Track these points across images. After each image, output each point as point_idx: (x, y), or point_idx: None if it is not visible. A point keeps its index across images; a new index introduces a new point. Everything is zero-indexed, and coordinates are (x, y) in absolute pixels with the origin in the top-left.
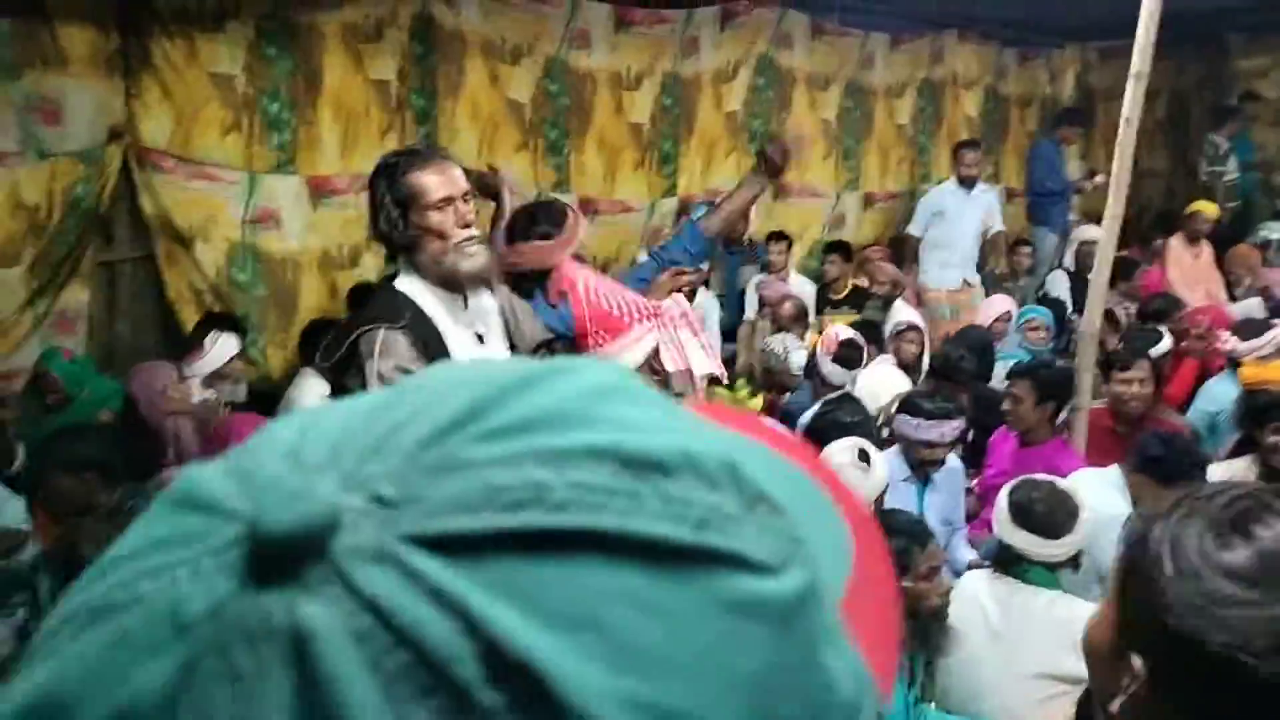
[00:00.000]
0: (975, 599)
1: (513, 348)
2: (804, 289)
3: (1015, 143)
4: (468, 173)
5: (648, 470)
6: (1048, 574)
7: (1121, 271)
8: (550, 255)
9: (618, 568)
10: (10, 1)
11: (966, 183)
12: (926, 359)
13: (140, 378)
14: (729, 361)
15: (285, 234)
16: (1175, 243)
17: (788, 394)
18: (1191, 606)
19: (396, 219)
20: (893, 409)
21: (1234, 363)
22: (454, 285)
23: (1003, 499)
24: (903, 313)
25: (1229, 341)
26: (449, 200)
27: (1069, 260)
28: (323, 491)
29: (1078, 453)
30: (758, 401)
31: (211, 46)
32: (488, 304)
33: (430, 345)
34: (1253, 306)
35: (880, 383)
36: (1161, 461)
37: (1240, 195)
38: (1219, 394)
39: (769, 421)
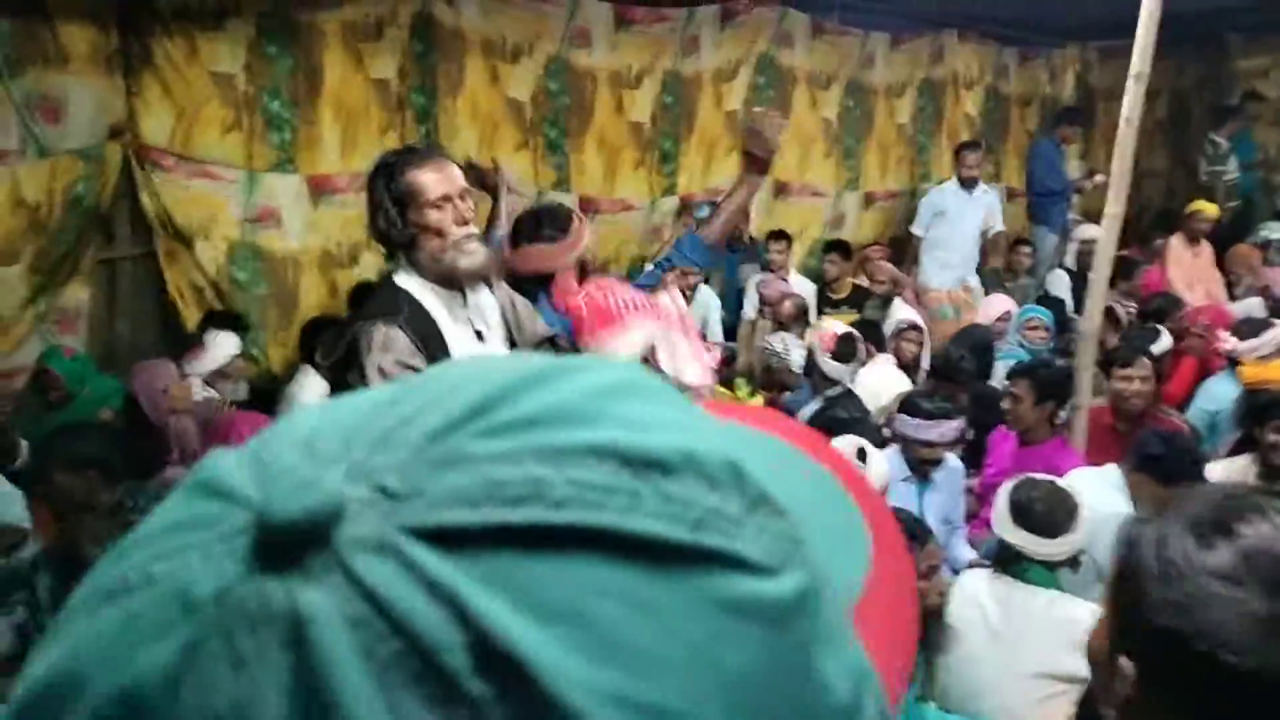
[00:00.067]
0: (975, 598)
1: (513, 345)
2: (804, 288)
3: (1015, 142)
4: (469, 168)
5: (648, 469)
6: (1047, 573)
7: (1122, 271)
8: (554, 259)
9: (612, 565)
10: (11, 0)
11: (968, 184)
12: (927, 358)
13: (142, 376)
14: (729, 360)
15: (285, 232)
16: (1175, 242)
17: (787, 393)
18: (1174, 606)
19: (395, 217)
20: (893, 408)
21: (1233, 362)
22: (453, 282)
23: (1002, 498)
24: (903, 312)
25: (1228, 341)
26: (447, 198)
27: (1070, 260)
28: (329, 482)
29: (1077, 452)
30: (758, 400)
31: (212, 45)
32: (487, 301)
33: (429, 342)
34: (1253, 306)
35: (880, 382)
36: (1161, 460)
37: (1240, 195)
38: (1218, 393)
39: (794, 421)
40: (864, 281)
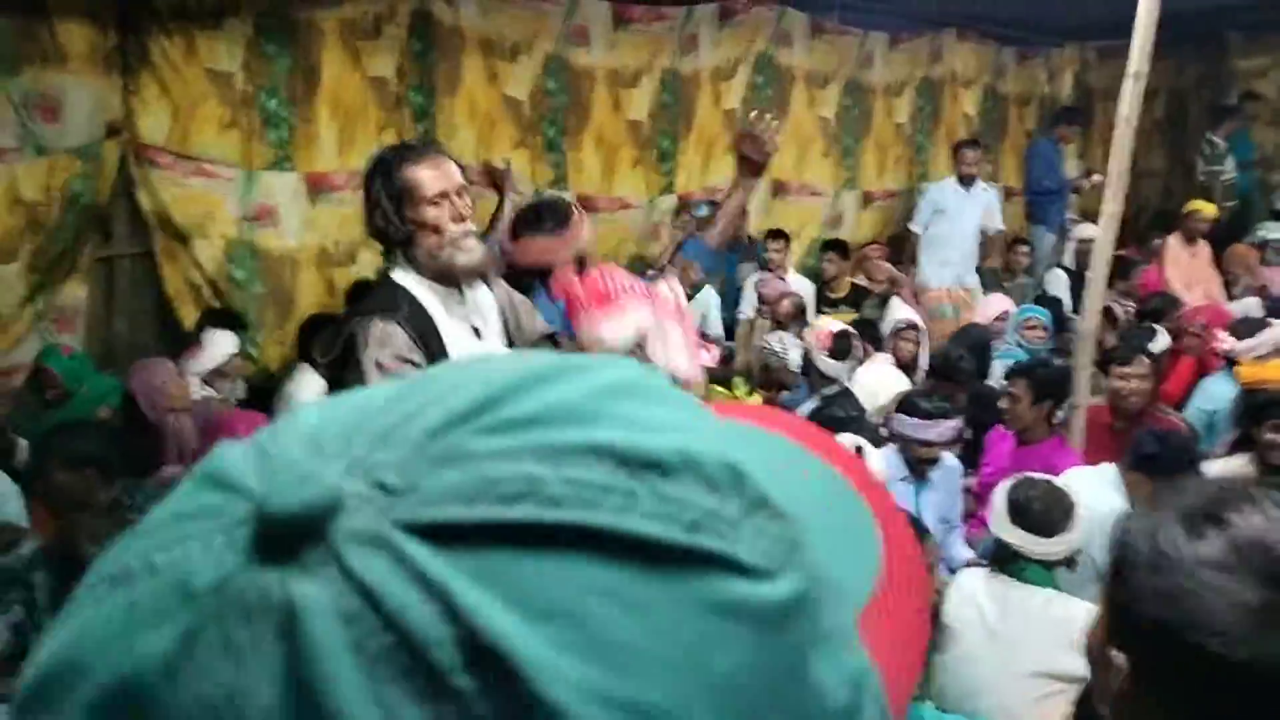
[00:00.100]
0: (972, 597)
1: (511, 343)
2: (802, 287)
3: (1013, 142)
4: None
5: (646, 470)
6: (1044, 572)
7: (1119, 271)
8: (553, 252)
9: (604, 564)
10: None
11: (966, 181)
12: (925, 358)
13: (141, 375)
14: (727, 359)
15: (283, 231)
16: (1173, 242)
17: (785, 392)
18: (1165, 597)
19: (392, 214)
20: (890, 408)
21: (1231, 362)
22: (450, 279)
23: (1000, 497)
24: (901, 311)
25: (1226, 341)
26: (444, 195)
27: (1068, 259)
28: (328, 476)
29: (1075, 451)
30: (756, 399)
31: (210, 43)
32: (485, 299)
33: (427, 339)
34: (1250, 306)
35: (878, 381)
36: (1157, 459)
37: (1238, 195)
38: (1216, 393)
39: (806, 422)
40: (862, 281)
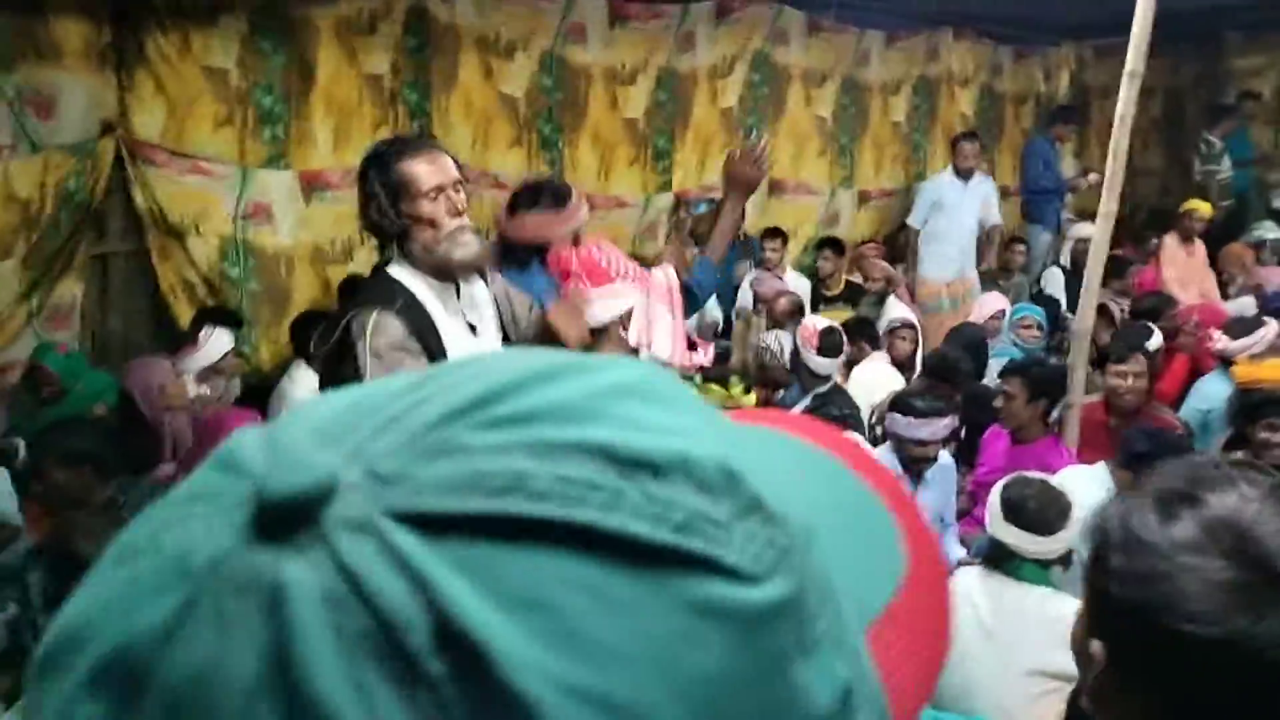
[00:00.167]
0: (967, 596)
1: (507, 338)
2: (799, 285)
3: (1010, 140)
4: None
5: (637, 470)
6: (1039, 571)
7: (1115, 270)
8: (551, 228)
9: (584, 560)
10: None
11: (964, 174)
12: (920, 355)
13: (138, 374)
14: (723, 357)
15: (278, 228)
16: (1169, 241)
17: (781, 390)
18: (1140, 579)
19: (387, 208)
20: (885, 406)
21: (1226, 361)
22: (446, 274)
23: (995, 496)
24: (896, 309)
25: (1220, 340)
26: (440, 189)
27: (1064, 258)
28: (325, 463)
29: (1070, 450)
30: (751, 398)
31: (205, 40)
32: (481, 294)
33: (424, 333)
34: (1246, 305)
35: (874, 379)
36: (1148, 457)
37: (1234, 194)
38: (1211, 392)
39: (845, 435)
40: (858, 278)
